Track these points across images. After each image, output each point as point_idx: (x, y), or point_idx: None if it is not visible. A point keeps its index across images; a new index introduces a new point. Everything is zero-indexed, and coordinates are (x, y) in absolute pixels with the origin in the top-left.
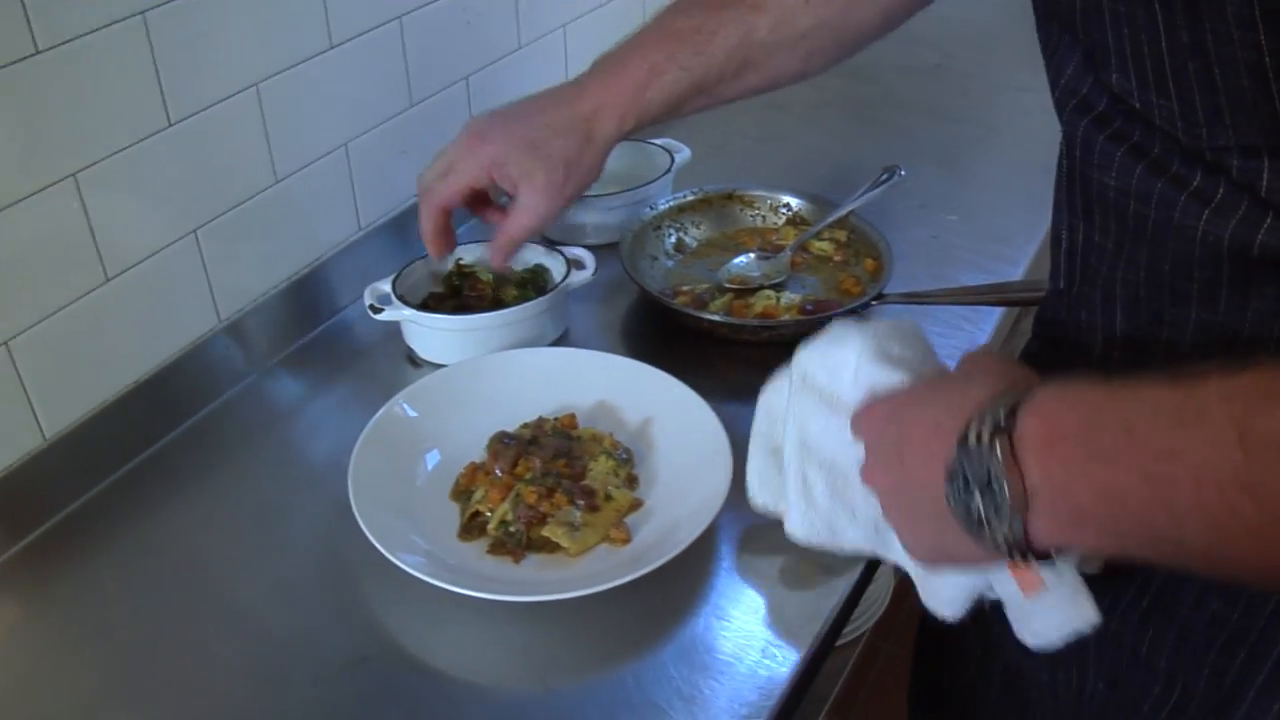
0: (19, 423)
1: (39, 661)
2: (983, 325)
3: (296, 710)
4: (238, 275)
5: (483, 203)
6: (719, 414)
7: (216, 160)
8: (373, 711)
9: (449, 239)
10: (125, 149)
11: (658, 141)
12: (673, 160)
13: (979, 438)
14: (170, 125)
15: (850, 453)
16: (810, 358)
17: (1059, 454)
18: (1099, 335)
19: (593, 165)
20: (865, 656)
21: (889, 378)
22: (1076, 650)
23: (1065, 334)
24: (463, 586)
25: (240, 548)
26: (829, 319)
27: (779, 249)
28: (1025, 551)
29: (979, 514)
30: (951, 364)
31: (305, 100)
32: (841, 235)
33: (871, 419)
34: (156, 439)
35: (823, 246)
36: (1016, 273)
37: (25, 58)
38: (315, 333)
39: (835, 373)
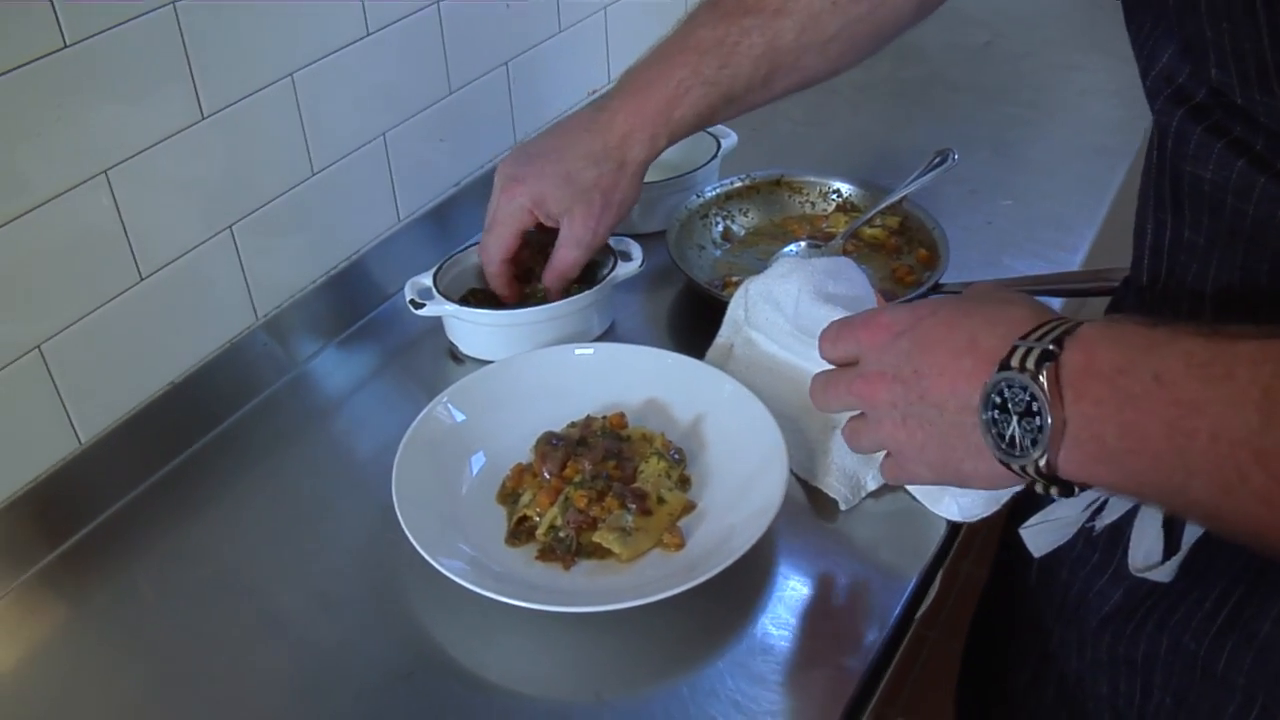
0: (54, 427)
1: (79, 671)
2: None
3: None
4: (275, 271)
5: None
6: None
7: (252, 153)
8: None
9: (516, 286)
10: (157, 144)
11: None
12: (719, 146)
13: (1024, 362)
14: (204, 118)
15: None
16: (754, 294)
17: (1093, 390)
18: None
19: (628, 190)
20: (911, 646)
21: (827, 314)
22: (1143, 662)
23: None
24: (511, 596)
25: (281, 553)
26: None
27: (829, 237)
28: (1050, 481)
29: (1014, 440)
30: None
31: (342, 90)
32: (894, 222)
33: (877, 328)
34: (195, 440)
35: (875, 234)
36: (1075, 260)
37: (53, 52)
38: (355, 328)
39: (779, 305)
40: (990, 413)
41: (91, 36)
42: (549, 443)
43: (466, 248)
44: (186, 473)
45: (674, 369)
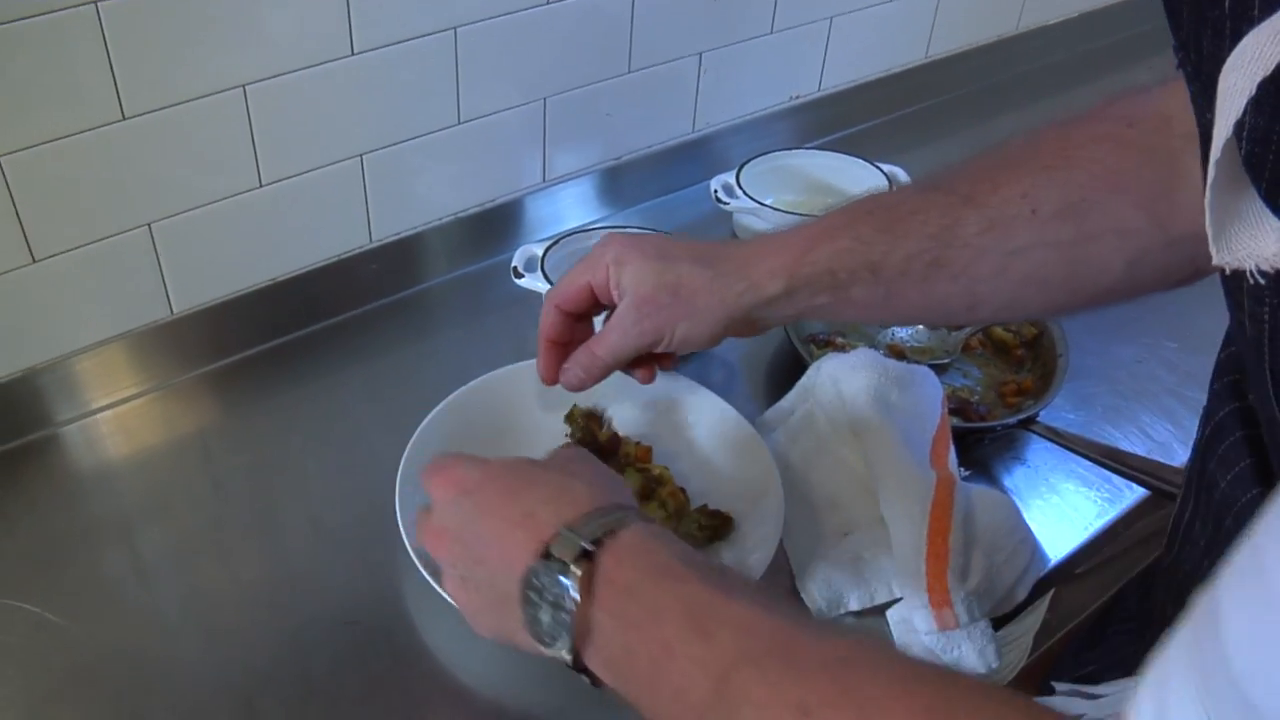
0: (151, 294)
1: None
2: (1124, 495)
3: (275, 648)
4: (401, 202)
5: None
6: None
7: (397, 94)
8: (340, 672)
9: (559, 357)
10: (301, 69)
11: (884, 167)
12: (891, 188)
13: (563, 557)
14: (353, 54)
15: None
16: (824, 373)
17: (610, 601)
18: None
19: (709, 310)
20: None
21: (880, 422)
22: None
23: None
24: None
25: (304, 469)
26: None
27: (960, 325)
28: (582, 672)
29: (544, 627)
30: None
31: (506, 50)
32: (1030, 332)
33: (445, 480)
34: (279, 336)
35: (1005, 338)
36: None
37: None
38: (475, 268)
39: (842, 394)
40: (529, 593)
41: None
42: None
43: (589, 229)
44: (261, 364)
45: (725, 424)
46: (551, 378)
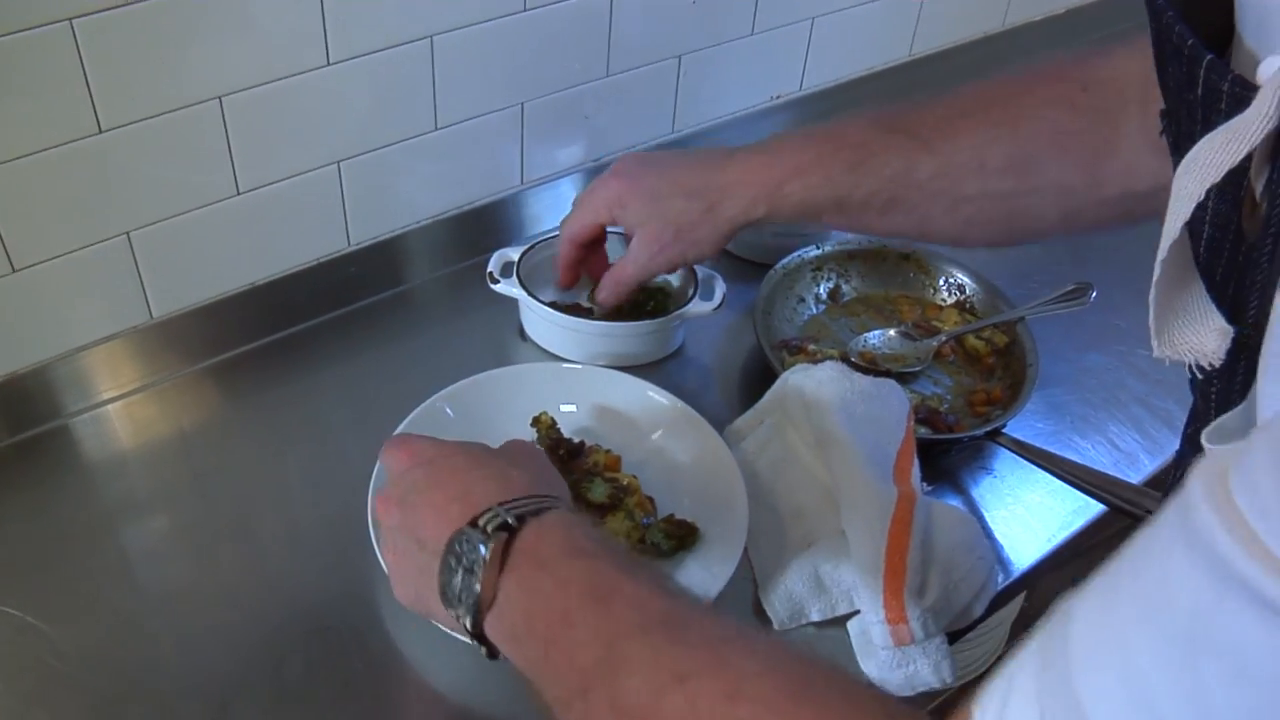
0: (130, 300)
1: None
2: (1089, 507)
3: (249, 652)
4: (378, 207)
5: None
6: None
7: (373, 103)
8: (313, 676)
9: (577, 274)
10: (277, 80)
11: None
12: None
13: (487, 525)
14: (329, 64)
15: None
16: (791, 384)
17: (522, 572)
18: None
19: (708, 238)
20: None
21: (845, 436)
22: None
23: None
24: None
25: (281, 470)
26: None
27: (933, 331)
28: (479, 640)
29: (453, 591)
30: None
31: (482, 57)
32: (1002, 340)
33: (403, 453)
34: (257, 339)
35: (977, 346)
36: (1173, 447)
37: None
38: (450, 271)
39: (808, 408)
40: (448, 559)
41: None
42: (551, 444)
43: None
44: (241, 366)
45: (683, 424)
46: (568, 283)
